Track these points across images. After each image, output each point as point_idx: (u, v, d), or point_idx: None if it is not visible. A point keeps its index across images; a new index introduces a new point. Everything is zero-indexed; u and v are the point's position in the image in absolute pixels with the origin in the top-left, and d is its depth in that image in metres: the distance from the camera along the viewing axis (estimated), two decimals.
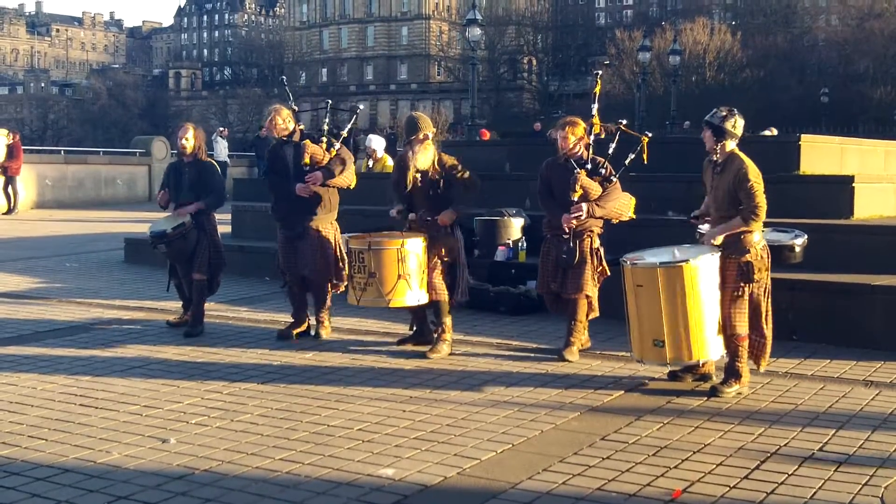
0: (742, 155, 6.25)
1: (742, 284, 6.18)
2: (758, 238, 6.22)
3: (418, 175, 7.49)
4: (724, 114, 6.24)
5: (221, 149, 28.51)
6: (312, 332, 8.09)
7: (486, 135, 26.96)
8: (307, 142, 7.82)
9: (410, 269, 7.25)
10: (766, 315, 6.31)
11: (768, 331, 6.33)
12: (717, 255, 6.22)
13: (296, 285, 8.10)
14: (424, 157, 7.44)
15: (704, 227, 6.53)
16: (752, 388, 6.38)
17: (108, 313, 9.21)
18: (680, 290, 6.10)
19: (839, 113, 57.03)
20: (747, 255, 6.18)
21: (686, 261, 6.12)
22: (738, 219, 6.17)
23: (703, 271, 6.13)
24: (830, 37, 76.91)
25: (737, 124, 6.23)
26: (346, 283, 7.81)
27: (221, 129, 34.93)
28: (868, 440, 5.32)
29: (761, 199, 6.11)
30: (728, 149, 6.25)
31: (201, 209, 8.26)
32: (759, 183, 6.13)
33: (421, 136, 7.40)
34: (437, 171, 7.45)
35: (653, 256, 6.35)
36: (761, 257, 6.23)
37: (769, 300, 6.34)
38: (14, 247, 15.05)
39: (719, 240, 6.27)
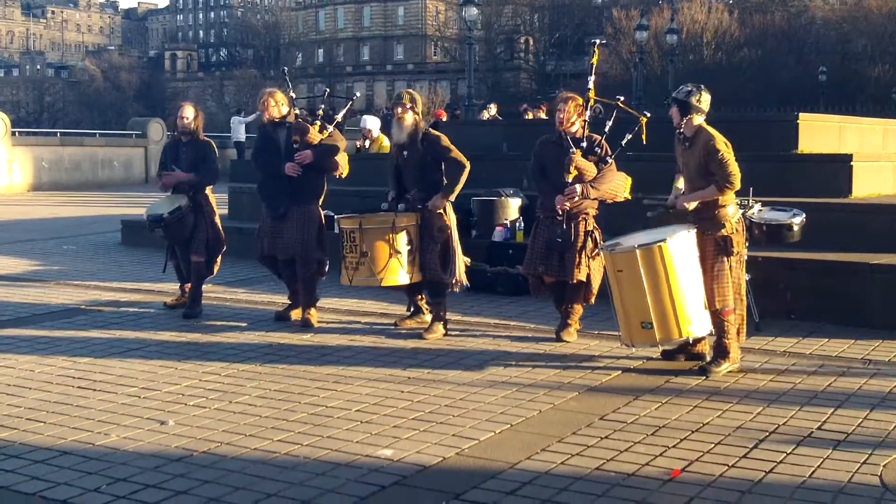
0: (709, 128, 6.34)
1: (722, 259, 6.23)
2: (732, 211, 6.30)
3: (404, 153, 7.45)
4: (690, 89, 6.36)
5: (241, 130, 28.43)
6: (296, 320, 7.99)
7: (443, 115, 25.95)
8: (300, 120, 7.81)
9: (402, 248, 7.24)
10: (743, 288, 6.38)
11: (743, 304, 6.40)
12: (693, 231, 6.26)
13: (270, 266, 8.09)
14: (400, 129, 7.39)
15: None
16: (750, 367, 6.39)
17: (105, 295, 9.19)
18: (661, 269, 6.12)
19: (837, 92, 56.74)
20: (723, 230, 6.25)
21: (663, 240, 6.13)
22: (712, 187, 6.22)
23: (677, 249, 6.14)
24: (828, 15, 76.44)
25: (702, 99, 6.33)
26: (326, 266, 7.86)
27: (254, 114, 35.24)
28: (867, 419, 5.32)
29: (734, 168, 6.18)
30: (695, 123, 6.33)
31: (192, 181, 8.21)
32: (728, 152, 6.21)
33: (398, 109, 7.35)
34: (420, 148, 7.38)
35: (630, 241, 6.38)
36: (737, 230, 6.30)
37: (744, 273, 6.42)
38: (11, 229, 15.01)
39: (693, 205, 6.27)
